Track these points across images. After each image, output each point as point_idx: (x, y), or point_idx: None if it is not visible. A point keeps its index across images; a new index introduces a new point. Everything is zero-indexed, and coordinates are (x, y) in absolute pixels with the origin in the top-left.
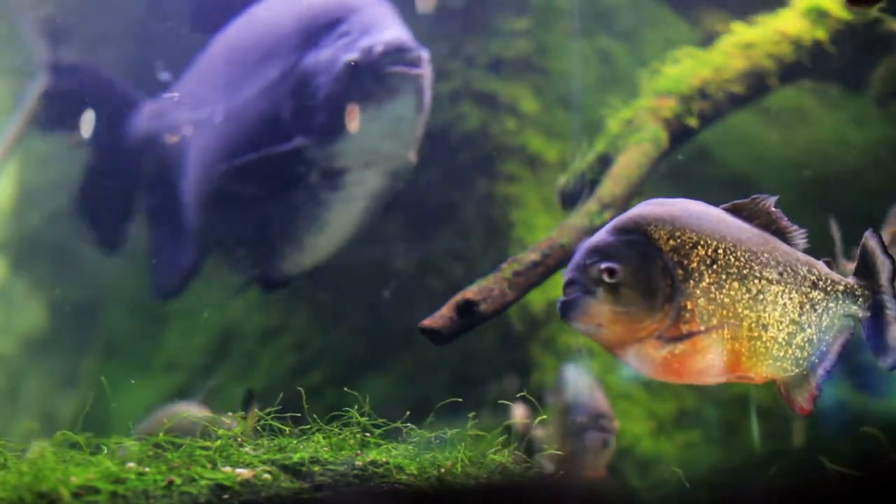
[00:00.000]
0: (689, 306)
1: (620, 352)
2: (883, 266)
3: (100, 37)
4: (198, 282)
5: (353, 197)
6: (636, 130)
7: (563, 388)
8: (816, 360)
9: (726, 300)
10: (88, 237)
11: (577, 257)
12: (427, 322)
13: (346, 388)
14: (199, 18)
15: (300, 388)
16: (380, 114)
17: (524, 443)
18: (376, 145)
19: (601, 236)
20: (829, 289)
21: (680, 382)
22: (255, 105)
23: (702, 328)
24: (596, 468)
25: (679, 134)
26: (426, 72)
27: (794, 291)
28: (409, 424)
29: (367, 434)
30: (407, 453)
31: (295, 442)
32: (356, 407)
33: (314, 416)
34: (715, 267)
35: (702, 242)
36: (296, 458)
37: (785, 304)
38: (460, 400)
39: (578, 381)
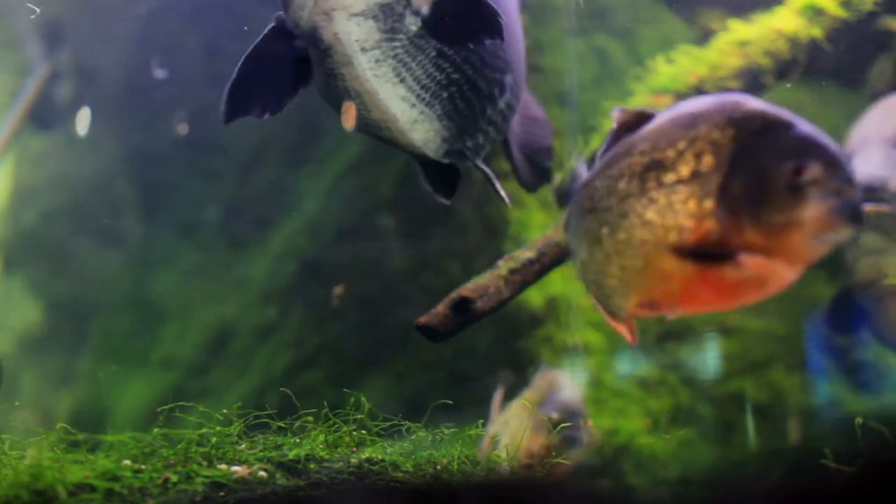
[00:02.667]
0: None
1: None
2: None
3: (98, 35)
4: (195, 279)
5: (348, 55)
6: None
7: (539, 383)
8: None
9: None
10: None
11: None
12: (423, 319)
13: (343, 386)
14: None
15: (294, 390)
16: None
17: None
18: None
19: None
20: None
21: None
22: None
23: None
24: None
25: None
26: None
27: None
28: (406, 422)
29: (365, 431)
30: (403, 451)
31: (291, 439)
32: (352, 404)
33: (311, 414)
34: None
35: None
36: (291, 455)
37: None
38: (452, 402)
39: (556, 378)
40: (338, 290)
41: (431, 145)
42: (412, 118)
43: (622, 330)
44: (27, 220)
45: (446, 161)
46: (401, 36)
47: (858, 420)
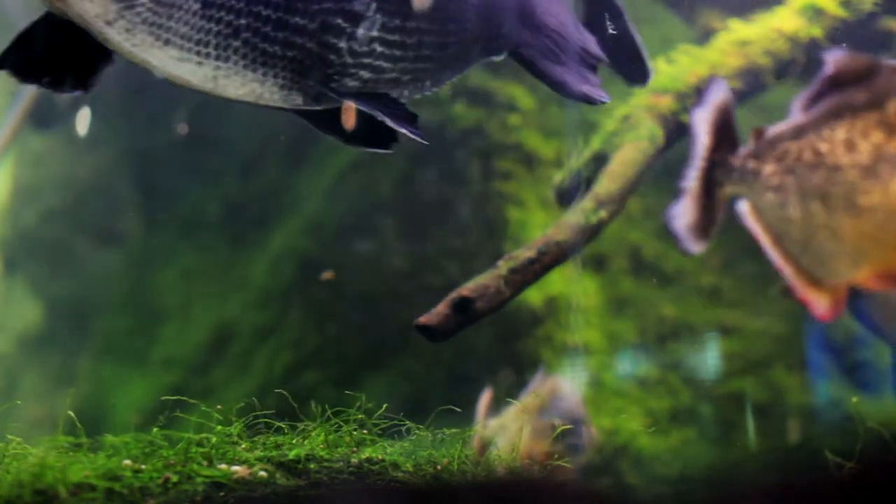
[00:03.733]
0: None
1: None
2: None
3: None
4: (195, 279)
5: (99, 31)
6: (632, 128)
7: (540, 388)
8: None
9: None
10: None
11: None
12: (423, 319)
13: (343, 387)
14: None
15: (294, 390)
16: None
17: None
18: None
19: None
20: None
21: None
22: None
23: None
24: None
25: (675, 131)
26: None
27: None
28: (406, 422)
29: (366, 431)
30: (403, 451)
31: (291, 440)
32: (354, 405)
33: (311, 416)
34: None
35: None
36: (291, 455)
37: None
38: (452, 403)
39: (558, 383)
40: (326, 275)
41: (273, 97)
42: (208, 76)
43: (816, 300)
44: (27, 220)
45: (322, 107)
46: (142, 0)
47: (854, 399)
